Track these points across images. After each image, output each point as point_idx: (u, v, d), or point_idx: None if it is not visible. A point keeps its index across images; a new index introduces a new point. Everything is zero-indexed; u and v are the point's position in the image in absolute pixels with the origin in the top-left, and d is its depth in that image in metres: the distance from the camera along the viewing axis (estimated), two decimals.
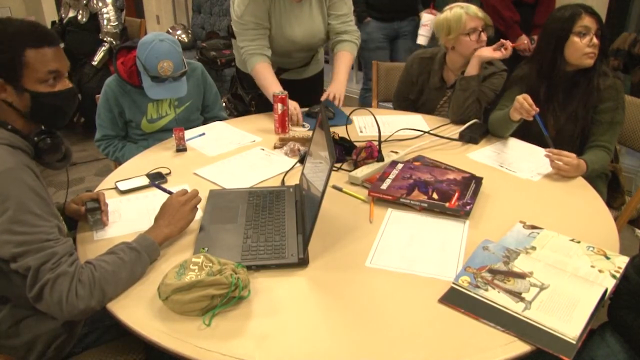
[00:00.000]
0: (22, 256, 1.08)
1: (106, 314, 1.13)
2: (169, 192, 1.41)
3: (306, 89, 2.19)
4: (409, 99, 2.33)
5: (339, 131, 1.91)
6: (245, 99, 2.47)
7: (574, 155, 1.65)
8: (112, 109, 2.10)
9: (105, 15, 3.74)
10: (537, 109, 1.69)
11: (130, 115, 2.12)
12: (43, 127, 1.27)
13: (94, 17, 3.77)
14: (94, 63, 3.73)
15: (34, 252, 1.08)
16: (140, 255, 1.19)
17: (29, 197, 1.11)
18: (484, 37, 2.07)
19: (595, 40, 1.76)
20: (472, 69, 2.04)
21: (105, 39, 3.76)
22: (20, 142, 1.19)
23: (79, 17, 3.79)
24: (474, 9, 2.07)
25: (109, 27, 3.75)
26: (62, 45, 1.28)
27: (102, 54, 3.75)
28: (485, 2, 2.88)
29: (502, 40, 2.04)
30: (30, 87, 1.18)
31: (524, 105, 1.70)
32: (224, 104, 2.51)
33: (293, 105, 2.10)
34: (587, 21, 1.76)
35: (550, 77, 1.86)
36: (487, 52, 2.03)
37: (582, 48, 1.76)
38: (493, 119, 1.95)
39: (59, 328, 1.25)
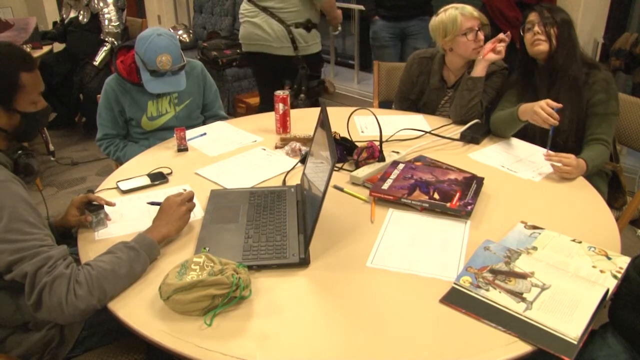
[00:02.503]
0: (17, 263, 1.09)
1: (106, 318, 1.13)
2: (159, 204, 1.40)
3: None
4: (410, 100, 2.33)
5: (341, 131, 1.91)
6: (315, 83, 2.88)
7: (572, 155, 1.65)
8: (113, 107, 2.11)
9: (106, 16, 3.75)
10: (556, 122, 1.66)
11: (130, 113, 2.12)
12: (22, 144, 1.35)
13: (95, 17, 3.78)
14: (95, 63, 3.73)
15: (29, 257, 1.09)
16: (138, 254, 1.19)
17: (22, 206, 1.13)
18: (481, 36, 2.06)
19: (536, 28, 1.88)
20: (479, 71, 2.04)
21: (106, 39, 3.77)
22: (1, 157, 1.23)
23: (80, 17, 3.79)
24: (469, 9, 2.06)
25: (110, 27, 3.76)
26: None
27: (103, 54, 3.75)
28: (489, 3, 2.88)
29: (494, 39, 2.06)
30: (21, 108, 1.25)
31: (541, 114, 1.67)
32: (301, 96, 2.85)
33: None
34: (531, 17, 1.92)
35: (526, 74, 1.97)
36: (493, 56, 2.04)
37: (529, 40, 1.92)
38: (496, 119, 1.95)
39: (47, 334, 1.26)
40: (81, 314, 1.09)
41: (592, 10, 2.98)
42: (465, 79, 2.05)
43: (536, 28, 1.88)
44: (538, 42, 1.87)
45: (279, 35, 2.79)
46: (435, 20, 2.12)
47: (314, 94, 2.90)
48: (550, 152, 1.68)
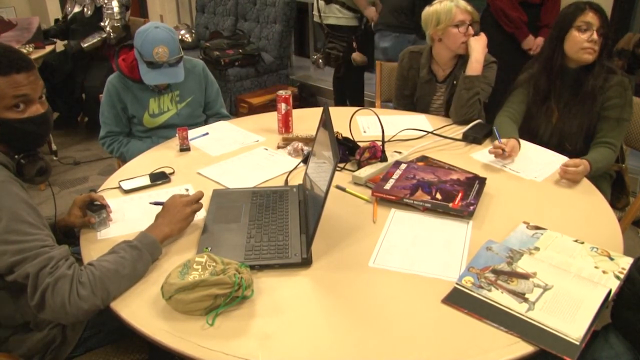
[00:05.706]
0: (19, 264, 1.09)
1: (108, 318, 1.13)
2: (162, 204, 1.38)
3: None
4: (405, 95, 2.35)
5: (343, 131, 1.91)
6: (339, 48, 3.52)
7: (578, 160, 1.64)
8: (115, 104, 2.12)
9: (109, 11, 3.76)
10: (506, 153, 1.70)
11: (132, 110, 2.13)
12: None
13: (99, 11, 3.79)
14: (84, 45, 3.72)
15: (31, 258, 1.09)
16: (141, 253, 1.19)
17: (21, 207, 1.12)
18: (471, 31, 2.09)
19: (595, 36, 1.76)
20: (476, 69, 2.04)
21: (105, 28, 3.76)
22: (2, 158, 1.21)
23: (85, 10, 3.81)
24: (463, 3, 2.11)
25: (111, 19, 3.77)
26: (36, 68, 1.23)
27: (94, 40, 3.74)
28: (492, 3, 2.88)
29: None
30: None
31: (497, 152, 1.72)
32: (317, 59, 3.66)
33: None
34: (589, 17, 1.78)
35: (552, 71, 1.87)
36: (481, 53, 2.06)
37: (580, 42, 1.78)
38: (499, 125, 1.93)
39: (49, 334, 1.26)
40: (84, 314, 1.09)
41: None
42: (462, 77, 2.06)
43: (595, 36, 1.76)
44: (591, 52, 1.78)
45: (315, 6, 3.59)
46: (429, 10, 2.16)
47: (327, 59, 3.64)
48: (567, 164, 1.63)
